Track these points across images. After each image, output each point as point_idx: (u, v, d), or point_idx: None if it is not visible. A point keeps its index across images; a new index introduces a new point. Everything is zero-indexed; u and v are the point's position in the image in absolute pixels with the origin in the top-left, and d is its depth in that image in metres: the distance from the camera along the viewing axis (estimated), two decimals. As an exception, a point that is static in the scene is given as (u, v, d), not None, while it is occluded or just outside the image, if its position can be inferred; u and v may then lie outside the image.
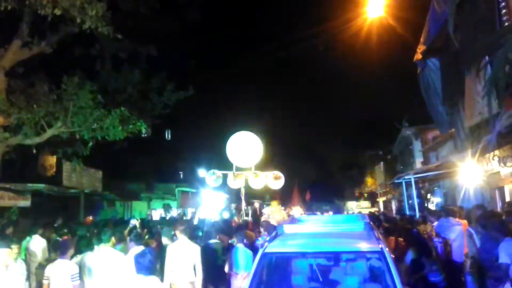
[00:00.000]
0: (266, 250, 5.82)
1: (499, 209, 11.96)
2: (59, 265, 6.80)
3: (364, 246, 5.65)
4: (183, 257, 8.10)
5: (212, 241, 9.57)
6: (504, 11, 9.48)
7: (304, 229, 6.81)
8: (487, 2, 10.14)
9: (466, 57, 11.27)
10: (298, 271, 6.79)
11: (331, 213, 32.22)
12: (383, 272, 5.55)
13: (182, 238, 8.38)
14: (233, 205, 26.97)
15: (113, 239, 8.03)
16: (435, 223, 11.14)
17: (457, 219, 9.74)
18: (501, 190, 12.31)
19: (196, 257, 8.13)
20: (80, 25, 11.11)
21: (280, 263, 6.90)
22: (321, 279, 6.30)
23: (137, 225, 12.97)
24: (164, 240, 9.31)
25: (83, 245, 8.24)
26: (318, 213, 31.08)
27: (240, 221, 17.34)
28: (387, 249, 5.44)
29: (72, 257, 7.27)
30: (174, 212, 25.80)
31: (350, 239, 5.92)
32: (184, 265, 8.04)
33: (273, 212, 17.97)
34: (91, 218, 16.46)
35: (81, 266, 7.11)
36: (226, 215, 18.46)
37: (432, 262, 7.76)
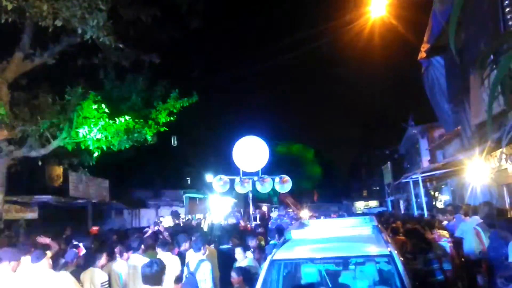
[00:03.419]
0: (274, 257, 5.78)
1: (507, 206, 11.92)
2: (90, 273, 7.02)
3: (373, 250, 5.59)
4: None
5: (224, 246, 9.73)
6: (508, 9, 9.41)
7: (312, 234, 6.75)
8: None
9: (470, 55, 11.21)
10: (307, 276, 6.74)
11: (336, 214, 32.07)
12: (393, 276, 5.50)
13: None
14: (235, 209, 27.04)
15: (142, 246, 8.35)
16: (445, 222, 11.09)
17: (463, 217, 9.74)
18: (509, 187, 12.26)
19: (214, 260, 8.55)
20: (82, 35, 11.10)
21: (289, 269, 6.87)
22: (330, 285, 6.25)
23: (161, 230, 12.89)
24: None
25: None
26: (322, 217, 30.90)
27: (248, 225, 17.34)
28: (396, 252, 5.38)
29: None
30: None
31: (359, 243, 5.86)
32: None
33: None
34: (95, 228, 16.38)
35: (110, 273, 7.43)
36: (231, 220, 18.43)
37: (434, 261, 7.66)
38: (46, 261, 6.06)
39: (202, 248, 8.04)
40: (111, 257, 8.02)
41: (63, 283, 5.94)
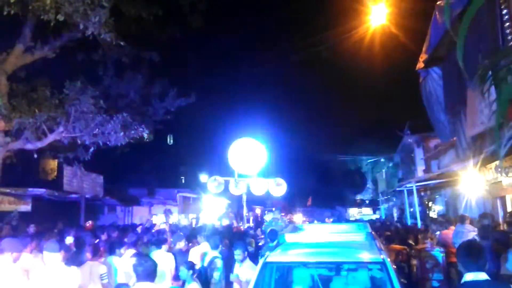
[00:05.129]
0: (268, 260, 5.79)
1: (500, 219, 11.95)
2: (90, 266, 7.07)
3: (365, 256, 5.61)
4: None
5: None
6: (507, 23, 9.46)
7: (306, 239, 6.77)
8: (489, 11, 10.13)
9: (468, 68, 11.24)
10: (300, 280, 6.76)
11: (331, 220, 32.14)
12: (385, 283, 5.51)
13: (203, 244, 9.12)
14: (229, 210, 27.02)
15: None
16: (438, 232, 11.11)
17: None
18: (503, 199, 12.29)
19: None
20: (83, 31, 11.10)
21: (282, 272, 6.87)
22: None
23: (167, 229, 12.97)
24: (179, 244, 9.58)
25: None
26: (316, 221, 30.87)
27: (241, 227, 17.35)
28: (389, 259, 5.40)
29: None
30: (175, 218, 25.77)
31: (352, 249, 5.88)
32: None
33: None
34: (90, 222, 16.39)
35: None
36: (225, 222, 18.43)
37: None
38: (61, 254, 6.10)
39: (219, 246, 8.74)
40: (110, 252, 8.09)
41: (73, 278, 5.95)
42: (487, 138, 11.06)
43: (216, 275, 8.10)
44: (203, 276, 8.00)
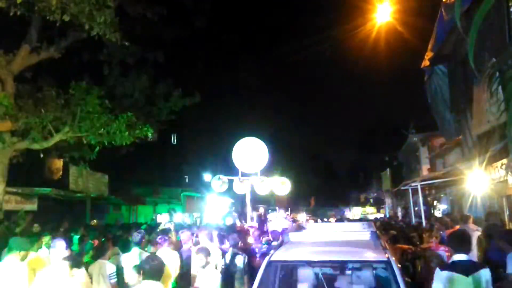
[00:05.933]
0: (272, 258, 5.80)
1: (506, 218, 11.91)
2: (99, 265, 7.18)
3: (370, 256, 5.62)
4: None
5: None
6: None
7: (310, 238, 6.79)
8: (497, 8, 10.09)
9: (475, 65, 11.18)
10: (304, 279, 6.75)
11: (335, 219, 32.10)
12: (390, 282, 5.51)
13: (205, 242, 8.92)
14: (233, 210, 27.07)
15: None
16: (442, 232, 11.10)
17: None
18: (509, 198, 12.23)
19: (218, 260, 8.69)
20: (89, 31, 11.14)
21: (286, 271, 6.89)
22: None
23: (171, 229, 13.05)
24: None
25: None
26: (319, 220, 30.87)
27: (245, 226, 17.38)
28: (393, 258, 5.40)
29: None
30: (179, 216, 25.85)
31: (357, 248, 5.88)
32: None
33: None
34: (95, 221, 16.50)
35: (117, 266, 7.50)
36: (229, 221, 18.46)
37: None
38: (68, 252, 6.16)
39: (239, 243, 8.85)
40: (123, 250, 8.14)
41: (78, 276, 5.99)
42: (494, 136, 11.03)
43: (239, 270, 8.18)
44: (227, 272, 8.05)
